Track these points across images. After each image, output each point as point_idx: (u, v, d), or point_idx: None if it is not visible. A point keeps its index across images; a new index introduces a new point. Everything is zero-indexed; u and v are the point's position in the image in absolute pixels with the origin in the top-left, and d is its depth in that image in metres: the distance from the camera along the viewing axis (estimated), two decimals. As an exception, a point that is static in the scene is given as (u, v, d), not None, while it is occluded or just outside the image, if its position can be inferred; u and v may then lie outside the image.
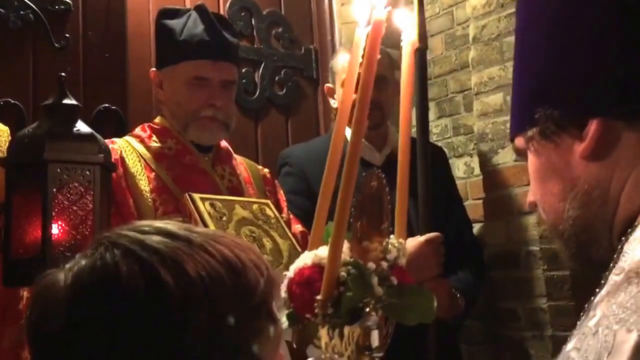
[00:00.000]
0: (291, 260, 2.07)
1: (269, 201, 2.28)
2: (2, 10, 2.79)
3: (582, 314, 1.00)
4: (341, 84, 2.76)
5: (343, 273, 1.16)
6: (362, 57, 1.26)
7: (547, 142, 1.07)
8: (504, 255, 2.99)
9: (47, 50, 2.87)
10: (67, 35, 2.90)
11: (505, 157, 2.99)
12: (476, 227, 3.22)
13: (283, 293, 1.22)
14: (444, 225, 2.47)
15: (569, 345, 0.93)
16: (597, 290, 0.98)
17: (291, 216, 2.47)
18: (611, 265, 0.98)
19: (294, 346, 1.26)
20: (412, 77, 1.36)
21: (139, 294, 0.88)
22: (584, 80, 1.03)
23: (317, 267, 1.19)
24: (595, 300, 0.95)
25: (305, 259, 1.22)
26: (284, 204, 2.49)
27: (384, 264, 1.21)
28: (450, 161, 3.32)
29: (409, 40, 1.36)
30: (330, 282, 1.15)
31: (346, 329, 1.17)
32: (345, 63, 2.77)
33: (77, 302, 0.90)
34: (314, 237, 1.27)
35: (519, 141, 1.13)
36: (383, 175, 1.26)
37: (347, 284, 1.15)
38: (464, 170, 3.44)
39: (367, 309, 1.16)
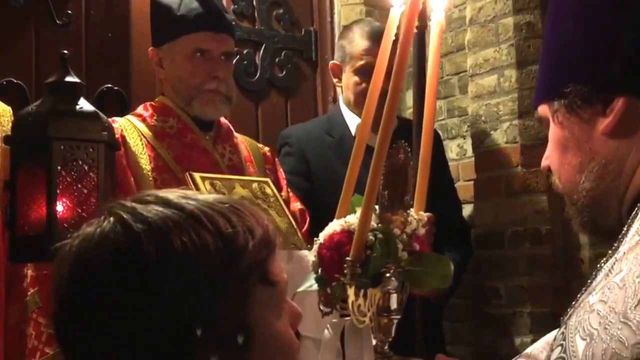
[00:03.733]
0: (288, 238, 2.13)
1: (268, 179, 2.31)
2: (4, -12, 2.79)
3: (593, 273, 1.05)
4: (353, 69, 2.74)
5: (371, 237, 1.25)
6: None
7: (572, 115, 1.12)
8: (491, 235, 3.04)
9: (50, 30, 2.87)
10: (68, 12, 2.91)
11: (497, 139, 3.03)
12: (466, 208, 3.26)
13: (312, 257, 1.33)
14: (436, 206, 2.51)
15: (592, 299, 0.96)
16: (609, 252, 1.04)
17: (290, 194, 2.50)
18: (624, 229, 1.04)
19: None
20: (439, 56, 1.44)
21: (121, 260, 0.94)
22: (613, 59, 1.08)
23: (346, 232, 1.28)
24: (617, 257, 0.99)
25: (334, 226, 1.31)
26: (283, 182, 2.52)
27: (405, 234, 1.30)
28: (443, 143, 3.36)
29: (437, 20, 1.41)
30: (359, 244, 1.24)
31: (369, 291, 1.26)
32: (362, 50, 2.72)
33: (77, 266, 0.97)
34: (341, 208, 1.36)
35: (544, 109, 1.19)
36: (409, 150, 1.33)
37: (375, 247, 1.24)
38: (457, 152, 3.47)
39: (388, 274, 1.24)
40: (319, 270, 1.31)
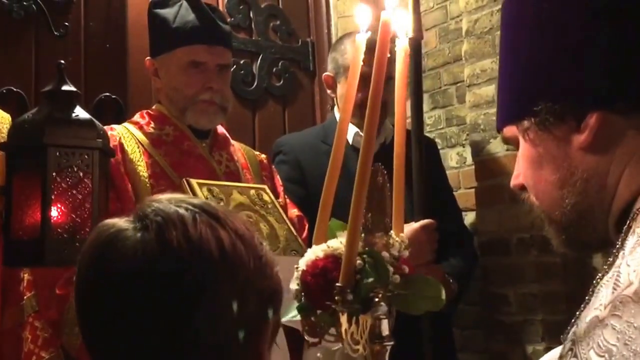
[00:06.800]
0: (288, 245, 2.14)
1: (265, 186, 2.32)
2: (5, 0, 2.83)
3: (590, 290, 1.04)
4: (348, 80, 2.76)
5: (359, 261, 1.20)
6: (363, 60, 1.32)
7: (544, 132, 1.10)
8: (496, 242, 3.04)
9: (49, 40, 2.93)
10: (66, 23, 2.96)
11: (496, 147, 3.04)
12: (468, 215, 3.27)
13: (295, 286, 1.27)
14: (436, 215, 2.52)
15: (602, 313, 0.94)
16: (605, 267, 1.03)
17: (287, 201, 2.50)
18: (619, 243, 1.03)
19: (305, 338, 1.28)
20: (406, 79, 1.41)
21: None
22: (583, 75, 1.07)
23: (330, 257, 1.23)
24: (621, 270, 0.98)
25: (316, 252, 1.26)
26: (280, 189, 2.52)
27: (393, 257, 1.26)
28: (443, 151, 3.40)
29: (402, 46, 1.40)
30: (349, 269, 1.19)
31: (360, 318, 1.21)
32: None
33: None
34: (318, 233, 1.31)
35: (510, 130, 1.17)
36: (385, 172, 1.30)
37: (366, 271, 1.19)
38: (457, 160, 3.49)
39: (377, 299, 1.19)
40: (302, 299, 1.26)
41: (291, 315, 1.28)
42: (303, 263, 1.26)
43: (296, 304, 1.27)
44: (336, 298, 1.17)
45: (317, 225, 1.32)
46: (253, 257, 1.00)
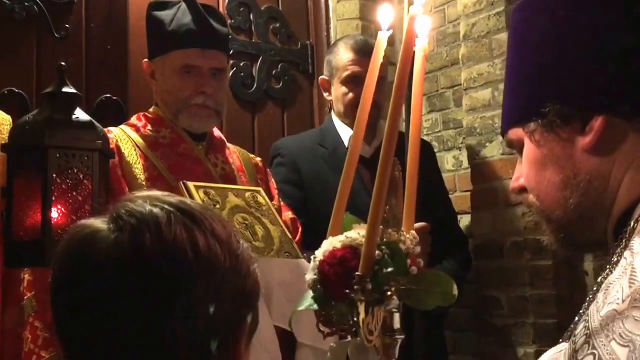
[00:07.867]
0: (282, 247, 2.16)
1: (260, 189, 2.34)
2: (7, 1, 2.86)
3: (594, 287, 1.06)
4: (341, 81, 2.82)
5: (378, 252, 1.19)
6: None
7: (550, 134, 1.12)
8: (490, 245, 3.06)
9: (50, 42, 2.94)
10: (67, 25, 2.98)
11: (492, 151, 3.06)
12: (464, 219, 3.29)
13: (312, 276, 1.25)
14: (431, 217, 2.53)
15: (620, 307, 0.94)
16: (608, 267, 1.05)
17: (282, 204, 2.52)
18: (622, 243, 1.05)
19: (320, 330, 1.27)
20: (423, 80, 1.40)
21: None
22: (593, 78, 1.09)
23: (349, 248, 1.23)
24: (636, 266, 0.98)
25: (333, 243, 1.25)
26: (275, 192, 2.54)
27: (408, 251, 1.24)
28: (440, 154, 3.44)
29: (421, 46, 1.38)
30: (369, 258, 1.18)
31: (376, 310, 1.20)
32: (347, 61, 2.82)
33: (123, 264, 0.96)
34: (334, 226, 1.31)
35: (516, 132, 1.19)
36: (400, 167, 1.30)
37: (385, 262, 1.19)
38: (453, 163, 3.51)
39: (390, 293, 1.19)
40: (318, 289, 1.25)
41: (307, 305, 1.25)
42: (320, 254, 1.25)
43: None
44: (355, 287, 1.17)
45: (332, 220, 1.31)
46: (229, 257, 1.00)
